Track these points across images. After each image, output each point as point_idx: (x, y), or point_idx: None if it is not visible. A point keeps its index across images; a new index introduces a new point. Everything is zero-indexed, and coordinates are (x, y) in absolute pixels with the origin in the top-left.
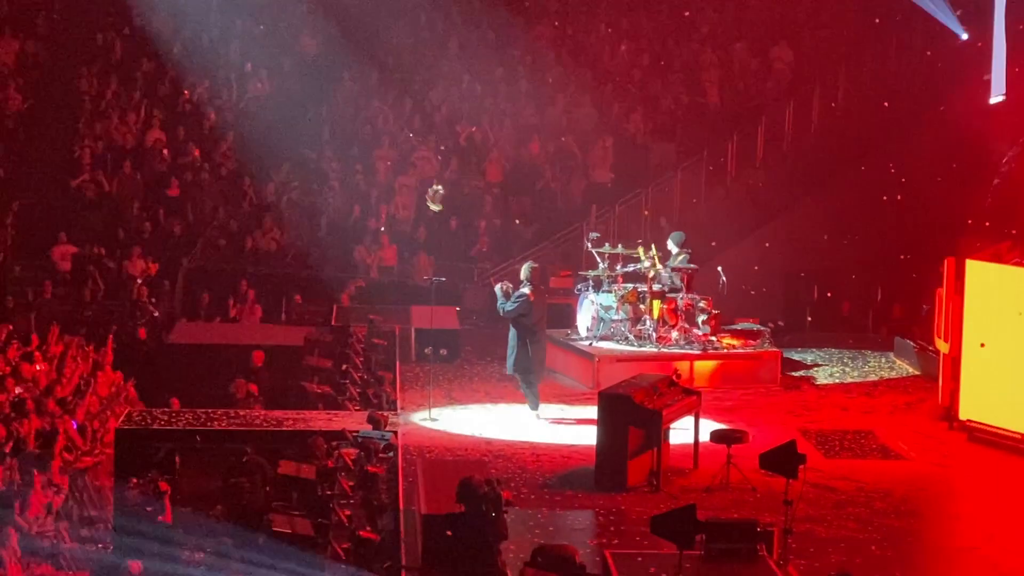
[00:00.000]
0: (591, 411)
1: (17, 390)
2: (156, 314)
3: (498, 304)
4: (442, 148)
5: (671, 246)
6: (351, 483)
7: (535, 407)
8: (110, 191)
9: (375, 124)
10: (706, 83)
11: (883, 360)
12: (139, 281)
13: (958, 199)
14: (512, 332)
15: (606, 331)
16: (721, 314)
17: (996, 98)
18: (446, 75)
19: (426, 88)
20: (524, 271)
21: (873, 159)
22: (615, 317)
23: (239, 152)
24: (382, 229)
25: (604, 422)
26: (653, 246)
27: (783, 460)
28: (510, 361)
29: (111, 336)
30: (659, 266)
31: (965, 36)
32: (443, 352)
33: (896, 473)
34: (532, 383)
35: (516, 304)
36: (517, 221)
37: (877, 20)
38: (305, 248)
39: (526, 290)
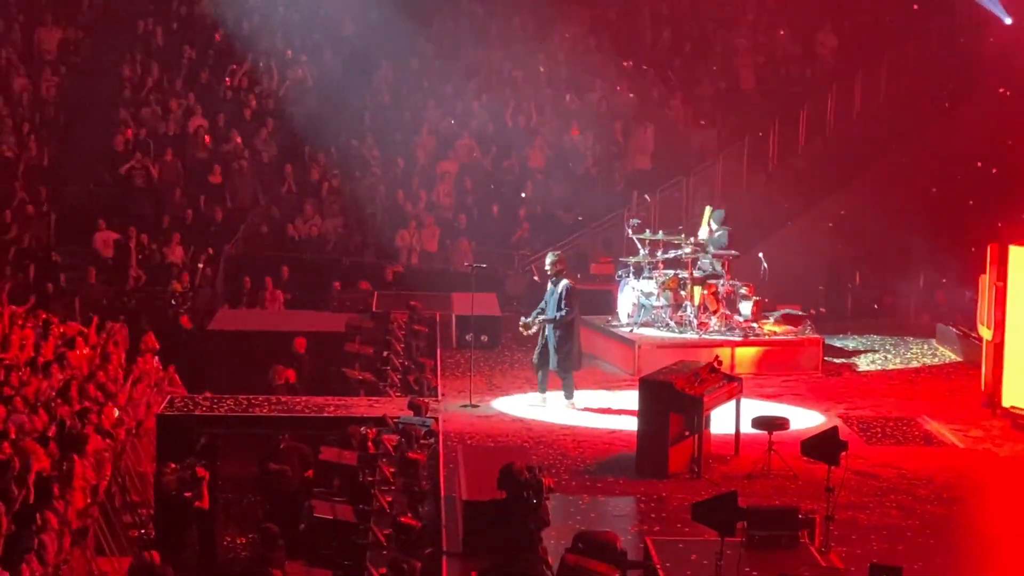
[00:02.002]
0: (632, 397)
1: (60, 376)
2: (195, 302)
3: (550, 319)
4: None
5: (713, 224)
6: (392, 469)
7: (571, 396)
8: (157, 178)
9: (416, 111)
10: (747, 69)
11: (925, 347)
12: (180, 268)
13: (1002, 184)
14: (559, 329)
15: (647, 317)
16: (763, 300)
17: None
18: (486, 61)
19: (467, 75)
20: (554, 263)
21: (916, 144)
22: (656, 303)
23: (280, 139)
24: (425, 211)
25: (645, 409)
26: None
27: (825, 447)
28: (558, 359)
29: (151, 324)
30: (703, 236)
31: (1009, 20)
32: (484, 339)
33: (939, 460)
34: (571, 373)
35: (569, 301)
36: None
37: (915, 7)
38: (347, 234)
39: (568, 282)
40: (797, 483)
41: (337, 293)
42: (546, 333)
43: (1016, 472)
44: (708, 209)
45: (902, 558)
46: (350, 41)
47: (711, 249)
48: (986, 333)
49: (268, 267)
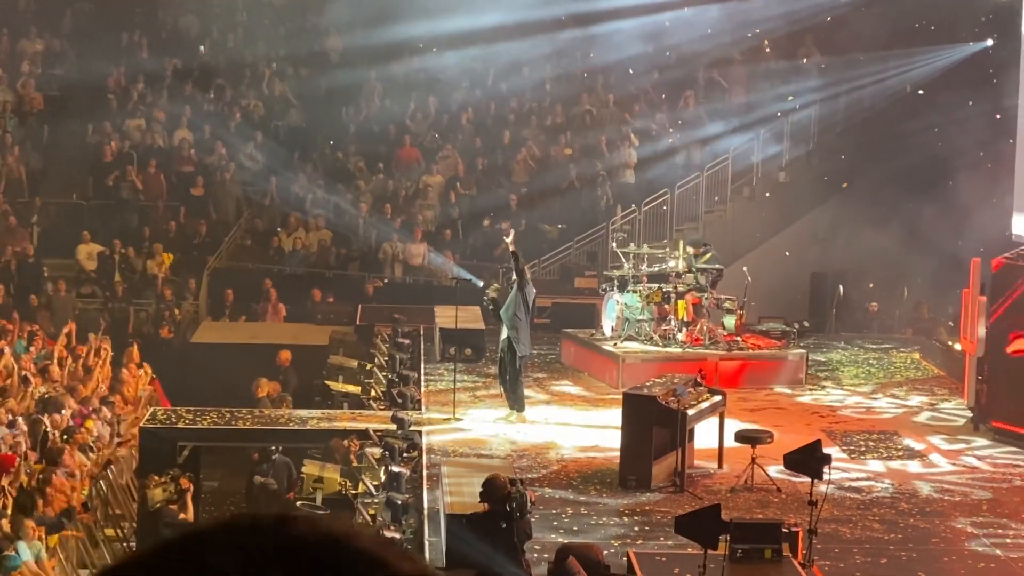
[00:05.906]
0: (615, 411)
1: (42, 388)
2: (178, 314)
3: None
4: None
5: (688, 249)
6: (375, 482)
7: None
8: (142, 190)
9: (400, 123)
10: (739, 85)
11: (909, 361)
12: (162, 280)
13: (987, 197)
14: (520, 311)
15: (631, 331)
16: (746, 314)
17: None
18: (471, 73)
19: (451, 87)
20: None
21: (901, 158)
22: (640, 317)
23: (265, 151)
24: (415, 225)
25: (629, 422)
26: (681, 243)
27: (808, 460)
28: (527, 343)
29: (135, 336)
30: (691, 269)
31: (990, 42)
32: (468, 352)
33: (921, 474)
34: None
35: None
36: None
37: (917, 25)
38: (330, 247)
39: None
40: (780, 496)
41: (322, 305)
42: None
43: (998, 486)
44: (682, 243)
45: (884, 572)
46: (336, 53)
47: (695, 266)
48: (969, 347)
49: (251, 280)
